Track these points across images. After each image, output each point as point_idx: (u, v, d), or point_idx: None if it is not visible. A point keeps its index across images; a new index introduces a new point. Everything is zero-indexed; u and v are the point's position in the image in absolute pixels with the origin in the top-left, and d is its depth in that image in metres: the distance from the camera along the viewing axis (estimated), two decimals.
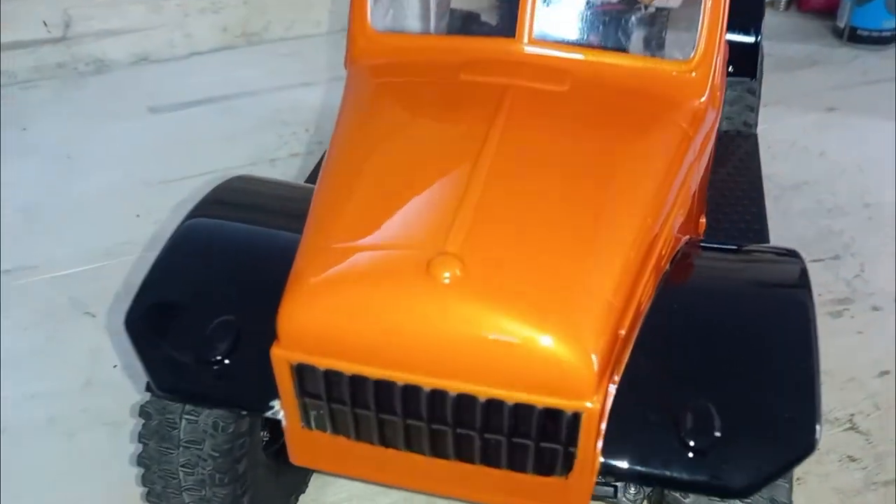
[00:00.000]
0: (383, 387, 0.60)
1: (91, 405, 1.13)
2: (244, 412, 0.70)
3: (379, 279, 0.58)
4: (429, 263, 0.57)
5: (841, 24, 2.02)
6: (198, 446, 0.76)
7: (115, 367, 1.20)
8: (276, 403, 0.65)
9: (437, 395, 0.59)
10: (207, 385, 0.65)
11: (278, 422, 0.82)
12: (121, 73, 2.05)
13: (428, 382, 0.58)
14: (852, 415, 1.07)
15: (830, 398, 1.09)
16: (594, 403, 0.57)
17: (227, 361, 0.65)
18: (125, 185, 1.60)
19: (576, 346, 0.57)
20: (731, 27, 0.97)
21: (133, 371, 1.17)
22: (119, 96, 1.93)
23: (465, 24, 0.91)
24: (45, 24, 2.04)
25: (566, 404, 0.57)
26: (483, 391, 0.58)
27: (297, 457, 0.68)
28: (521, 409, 0.58)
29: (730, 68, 1.16)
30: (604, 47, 0.80)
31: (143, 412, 0.77)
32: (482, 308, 0.57)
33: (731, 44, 1.12)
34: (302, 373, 0.62)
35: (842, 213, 1.42)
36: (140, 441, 0.79)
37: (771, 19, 2.11)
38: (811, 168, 1.54)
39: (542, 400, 0.57)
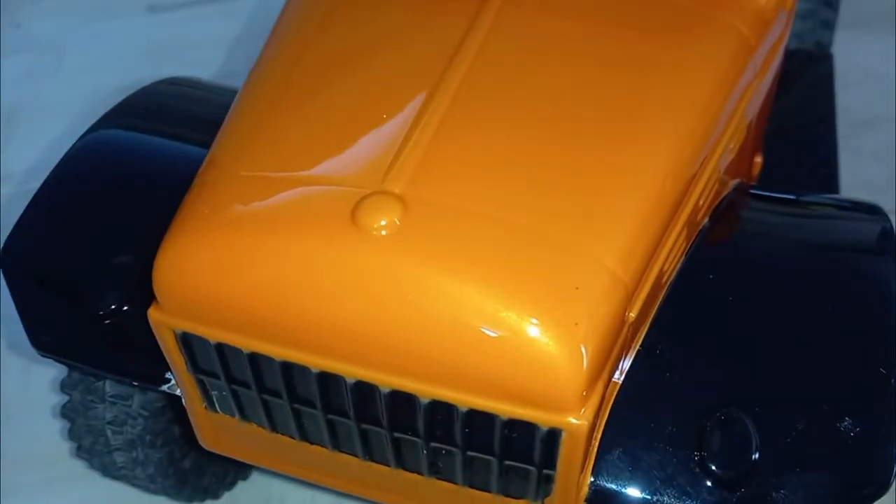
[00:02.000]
0: (293, 371, 0.45)
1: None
2: (134, 383, 0.56)
3: (288, 225, 0.43)
4: (357, 206, 0.41)
5: None
6: (125, 402, 0.64)
7: None
8: (169, 377, 0.51)
9: (364, 388, 0.45)
10: (93, 346, 0.52)
11: None
12: None
13: (350, 372, 0.43)
14: None
15: None
16: (580, 419, 0.41)
17: (118, 316, 0.51)
18: (115, 88, 1.49)
19: (557, 335, 0.41)
20: None
21: None
22: None
23: None
24: None
25: (541, 417, 0.42)
26: (425, 390, 0.43)
27: (205, 440, 0.55)
28: (479, 417, 0.43)
29: None
30: None
31: None
32: (426, 272, 0.41)
33: None
34: (190, 344, 0.48)
35: None
36: (63, 391, 0.67)
37: None
38: (888, 102, 1.34)
39: (506, 408, 0.42)
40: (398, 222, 0.41)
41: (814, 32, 1.03)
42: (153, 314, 0.47)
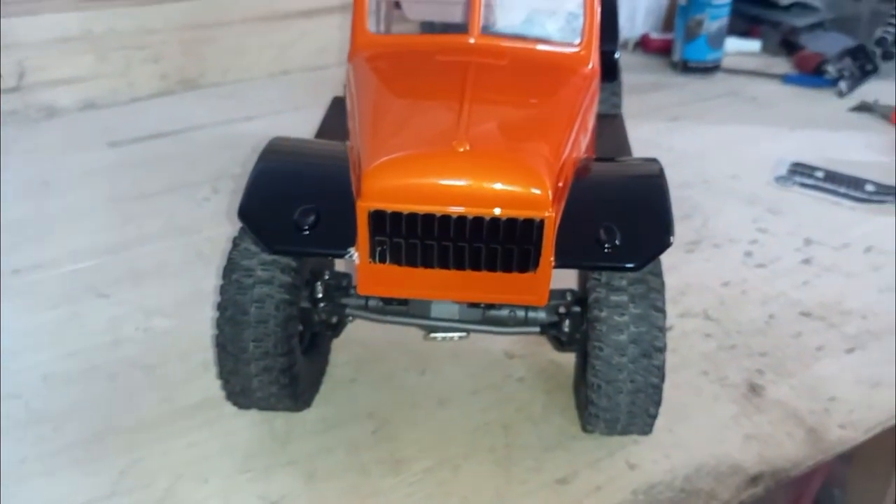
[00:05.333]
0: (427, 220, 0.93)
1: (123, 356, 1.35)
2: (329, 256, 1.03)
3: (424, 153, 0.94)
4: (451, 143, 0.93)
5: (675, 58, 2.55)
6: (265, 324, 1.04)
7: (136, 329, 1.42)
8: (350, 250, 0.97)
9: (460, 220, 0.93)
10: (303, 243, 0.97)
11: (310, 317, 1.14)
12: (71, 117, 2.22)
13: (455, 212, 0.92)
14: (706, 309, 1.48)
15: (691, 300, 1.50)
16: (551, 213, 0.93)
17: (313, 230, 0.97)
18: (104, 200, 1.81)
19: (540, 182, 0.93)
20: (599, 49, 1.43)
21: (151, 332, 1.42)
22: (77, 136, 2.10)
23: (432, 28, 1.33)
24: (2, 75, 2.23)
25: (537, 213, 0.93)
26: (488, 213, 0.93)
27: (364, 287, 1.00)
28: (510, 223, 0.93)
29: (606, 80, 1.60)
30: (526, 37, 1.20)
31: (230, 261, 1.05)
32: (485, 164, 0.93)
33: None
34: (375, 218, 0.94)
35: (688, 187, 1.88)
36: (221, 287, 1.05)
37: (623, 58, 2.64)
38: (663, 158, 1.85)
39: (524, 213, 0.93)
40: (468, 147, 0.91)
41: (610, 109, 1.68)
42: (359, 203, 0.92)
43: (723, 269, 1.59)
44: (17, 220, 1.73)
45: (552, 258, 0.96)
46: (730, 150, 2.06)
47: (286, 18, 2.47)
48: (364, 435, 1.20)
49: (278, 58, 2.49)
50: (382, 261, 0.97)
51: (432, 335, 1.16)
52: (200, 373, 1.33)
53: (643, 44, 2.68)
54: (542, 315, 1.13)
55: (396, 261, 0.97)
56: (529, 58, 1.16)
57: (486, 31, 1.18)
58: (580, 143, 1.09)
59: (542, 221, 0.94)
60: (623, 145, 1.37)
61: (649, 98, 2.37)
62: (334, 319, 1.19)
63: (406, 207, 0.93)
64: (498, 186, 0.93)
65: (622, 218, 0.99)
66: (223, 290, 1.06)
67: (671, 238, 0.98)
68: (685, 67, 2.50)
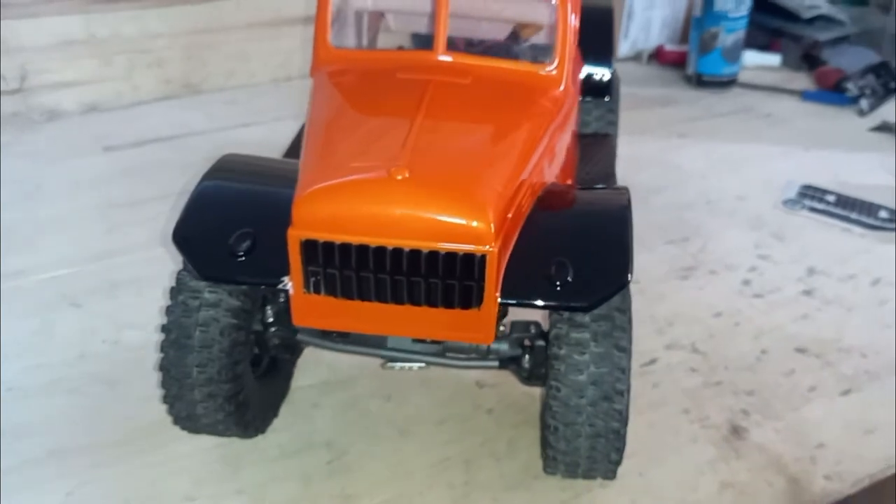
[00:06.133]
0: (362, 251, 0.88)
1: (87, 370, 1.33)
2: (262, 286, 0.97)
3: (360, 179, 0.88)
4: (389, 170, 0.87)
5: (689, 71, 2.47)
6: (209, 349, 1.00)
7: (103, 342, 1.40)
8: (284, 279, 0.92)
9: (396, 253, 0.88)
10: (236, 271, 0.92)
11: (265, 341, 1.09)
12: (72, 120, 2.21)
13: (391, 243, 0.87)
14: (694, 342, 1.40)
15: (679, 331, 1.43)
16: (493, 248, 0.87)
17: (248, 256, 0.92)
18: (94, 207, 1.79)
19: (482, 214, 0.87)
20: (591, 65, 1.36)
21: (119, 346, 1.39)
22: (74, 139, 2.09)
23: (420, 39, 1.28)
24: (4, 77, 2.24)
25: (478, 249, 0.87)
26: (426, 245, 0.87)
27: (298, 318, 0.95)
28: (450, 257, 0.88)
29: (600, 97, 1.54)
30: (492, 55, 1.15)
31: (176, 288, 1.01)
32: (423, 193, 0.87)
33: (591, 77, 1.51)
34: (307, 247, 0.89)
35: (690, 208, 1.80)
36: (167, 315, 1.01)
37: (636, 70, 2.58)
38: (667, 176, 1.92)
39: (463, 248, 0.87)
40: (408, 175, 0.85)
41: (604, 127, 1.61)
42: (290, 232, 0.88)
43: (717, 298, 1.51)
44: (3, 226, 1.72)
45: (497, 294, 0.90)
46: (738, 170, 1.98)
47: (290, 24, 2.44)
48: (318, 465, 1.15)
49: (282, 64, 2.47)
50: (317, 291, 0.92)
51: (389, 364, 1.10)
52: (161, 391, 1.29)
53: (658, 56, 2.60)
54: (504, 347, 1.07)
55: (331, 292, 0.92)
56: (496, 78, 1.10)
57: (453, 47, 1.12)
58: (543, 170, 1.03)
59: (483, 256, 0.88)
60: (608, 168, 1.30)
61: (659, 112, 2.29)
62: (292, 342, 1.14)
63: (339, 237, 0.88)
64: (436, 217, 0.87)
65: (577, 253, 0.92)
66: (169, 311, 1.02)
67: (629, 276, 0.91)
68: (699, 81, 2.42)
